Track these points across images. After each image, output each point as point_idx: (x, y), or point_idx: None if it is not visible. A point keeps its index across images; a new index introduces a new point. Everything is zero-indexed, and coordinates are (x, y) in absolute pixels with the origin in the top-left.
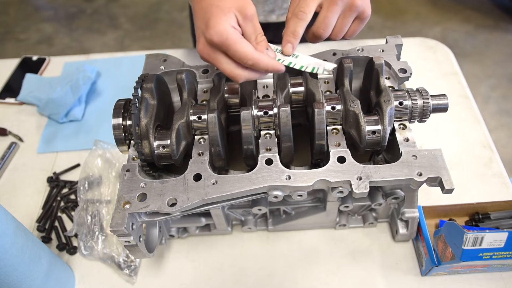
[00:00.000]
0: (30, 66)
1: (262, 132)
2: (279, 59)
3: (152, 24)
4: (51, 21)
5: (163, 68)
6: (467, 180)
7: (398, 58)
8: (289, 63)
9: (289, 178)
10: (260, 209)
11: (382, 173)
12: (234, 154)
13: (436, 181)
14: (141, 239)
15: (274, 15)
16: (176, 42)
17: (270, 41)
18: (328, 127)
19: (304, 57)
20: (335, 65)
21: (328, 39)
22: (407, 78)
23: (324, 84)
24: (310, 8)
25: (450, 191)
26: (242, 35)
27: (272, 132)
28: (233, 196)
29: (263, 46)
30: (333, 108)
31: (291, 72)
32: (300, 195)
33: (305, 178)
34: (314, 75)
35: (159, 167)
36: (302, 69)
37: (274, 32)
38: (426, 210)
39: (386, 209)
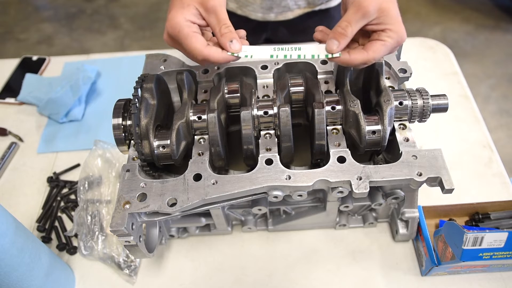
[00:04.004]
0: (30, 66)
1: (262, 132)
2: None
3: (152, 24)
4: (51, 21)
5: (163, 68)
6: (467, 180)
7: (398, 58)
8: (270, 56)
9: (289, 178)
10: (260, 209)
11: (382, 173)
12: (234, 154)
13: (436, 181)
14: (141, 239)
15: (272, 13)
16: None
17: (268, 39)
18: (328, 127)
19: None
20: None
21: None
22: (407, 78)
23: (324, 84)
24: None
25: (450, 191)
26: (208, 27)
27: (272, 132)
28: (233, 196)
29: (227, 38)
30: (333, 108)
31: (291, 71)
32: (300, 195)
33: (305, 178)
34: (314, 75)
35: (159, 167)
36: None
37: (272, 31)
38: (426, 210)
39: (386, 209)
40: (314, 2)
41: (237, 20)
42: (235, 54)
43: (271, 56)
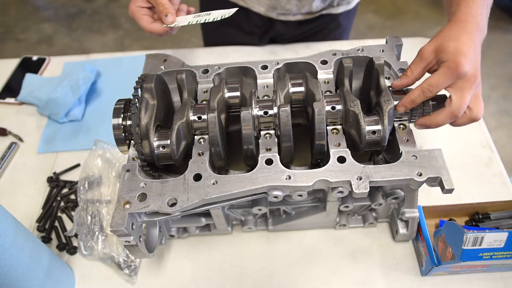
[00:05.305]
0: (30, 66)
1: (262, 132)
2: (189, 22)
3: None
4: (51, 21)
5: (163, 68)
6: (467, 180)
7: (398, 58)
8: (188, 22)
9: (289, 178)
10: (260, 209)
11: (382, 173)
12: (234, 154)
13: (436, 181)
14: (141, 239)
15: (274, 12)
16: (176, 42)
17: (273, 39)
18: (328, 127)
19: (204, 15)
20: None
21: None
22: None
23: (324, 84)
24: (438, 90)
25: (450, 191)
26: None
27: (272, 132)
28: (233, 196)
29: (163, 14)
30: (333, 108)
31: (291, 71)
32: (300, 195)
33: (305, 178)
34: (314, 75)
35: (159, 167)
36: (203, 22)
37: (278, 34)
38: (426, 210)
39: (386, 209)
40: (317, 8)
41: (242, 15)
42: (170, 25)
43: (189, 22)
